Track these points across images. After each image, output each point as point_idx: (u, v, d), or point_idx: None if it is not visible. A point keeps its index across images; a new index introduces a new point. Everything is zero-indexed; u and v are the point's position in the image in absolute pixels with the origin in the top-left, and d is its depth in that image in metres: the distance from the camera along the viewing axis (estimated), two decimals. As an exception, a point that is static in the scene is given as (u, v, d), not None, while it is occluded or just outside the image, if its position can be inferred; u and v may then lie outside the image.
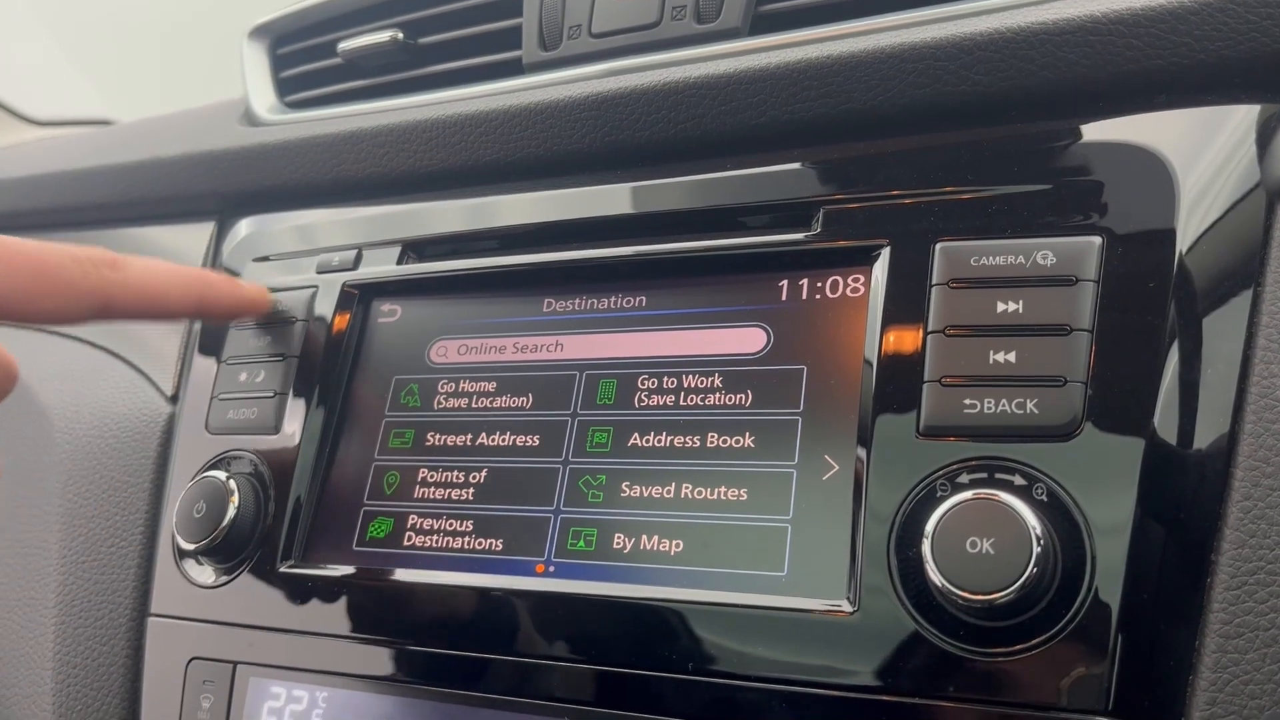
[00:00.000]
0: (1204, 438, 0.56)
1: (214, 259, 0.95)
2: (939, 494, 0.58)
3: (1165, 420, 0.56)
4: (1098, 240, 0.60)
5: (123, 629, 0.81)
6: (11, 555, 0.91)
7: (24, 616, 0.87)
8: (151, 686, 0.78)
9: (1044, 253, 0.60)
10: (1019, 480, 0.56)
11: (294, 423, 0.79)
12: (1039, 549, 0.53)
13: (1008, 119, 0.66)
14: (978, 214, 0.63)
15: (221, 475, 0.78)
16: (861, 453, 0.61)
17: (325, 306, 0.82)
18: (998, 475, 0.57)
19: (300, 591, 0.74)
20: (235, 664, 0.74)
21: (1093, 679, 0.53)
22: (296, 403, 0.80)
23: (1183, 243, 0.59)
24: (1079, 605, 0.54)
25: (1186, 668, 0.54)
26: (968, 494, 0.56)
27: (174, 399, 0.90)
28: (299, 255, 0.87)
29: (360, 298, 0.83)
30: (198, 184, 0.96)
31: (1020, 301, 0.60)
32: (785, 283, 0.69)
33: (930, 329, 0.61)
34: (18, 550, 0.90)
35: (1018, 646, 0.54)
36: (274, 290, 0.85)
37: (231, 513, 0.76)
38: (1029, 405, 0.57)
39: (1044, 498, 0.56)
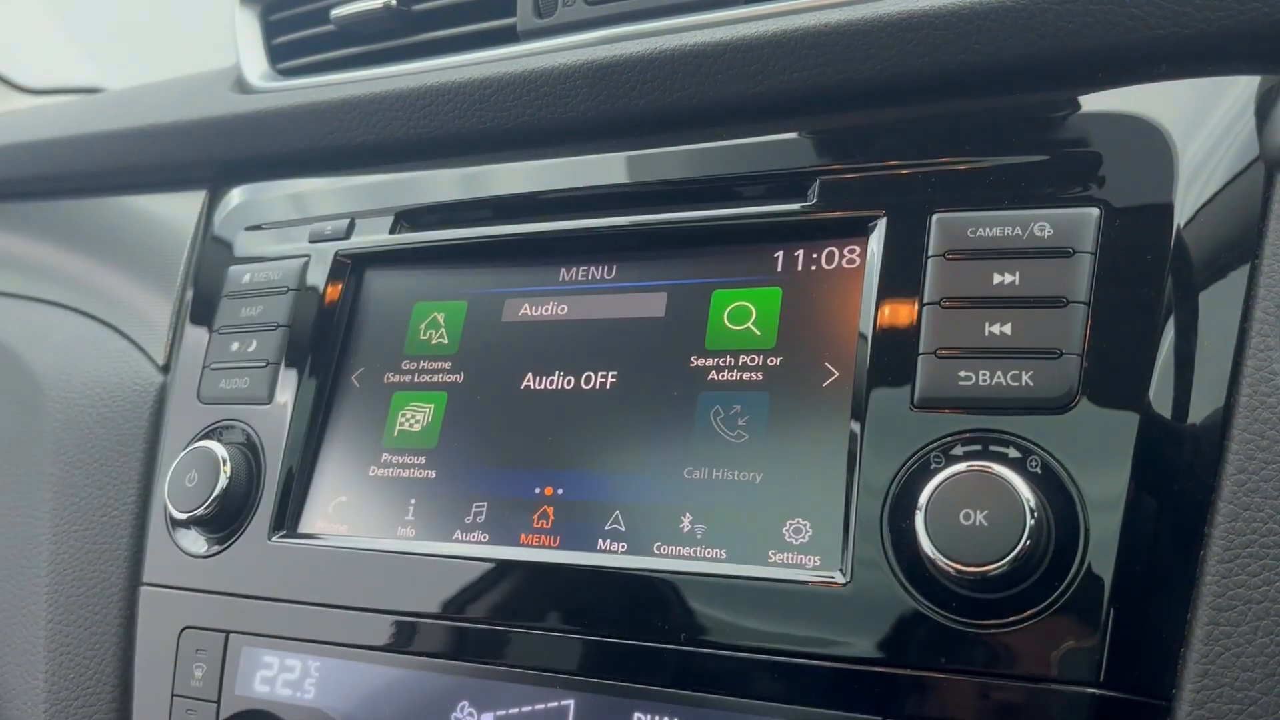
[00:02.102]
0: (1199, 411, 0.56)
1: (206, 228, 0.94)
2: (933, 466, 0.57)
3: (1160, 393, 0.56)
4: (1095, 212, 0.59)
5: (115, 598, 0.81)
6: (3, 524, 0.90)
7: (16, 585, 0.87)
8: (144, 655, 0.78)
9: (1041, 224, 0.60)
10: (1013, 453, 0.56)
11: (286, 393, 0.79)
12: (1032, 521, 0.53)
13: (1006, 89, 0.65)
14: (975, 185, 0.63)
15: (214, 445, 0.78)
16: (855, 425, 0.61)
17: (318, 276, 0.82)
18: (992, 448, 0.57)
19: (293, 562, 0.74)
20: (228, 633, 0.74)
21: (1085, 651, 0.53)
22: (289, 373, 0.79)
23: (1181, 215, 0.58)
24: (1072, 578, 0.54)
25: (1178, 640, 0.54)
26: (961, 466, 0.56)
27: (166, 368, 0.89)
28: (291, 224, 0.87)
29: (353, 267, 0.82)
30: (189, 152, 0.95)
31: (1017, 273, 0.59)
32: (781, 254, 0.68)
33: (926, 300, 0.61)
34: (9, 519, 0.90)
35: (1010, 618, 0.54)
36: (266, 259, 0.85)
37: (223, 482, 0.76)
38: (1024, 377, 0.57)
39: (1038, 470, 0.56)
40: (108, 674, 0.80)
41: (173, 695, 0.75)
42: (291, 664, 0.72)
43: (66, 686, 0.80)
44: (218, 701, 0.73)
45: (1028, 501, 0.54)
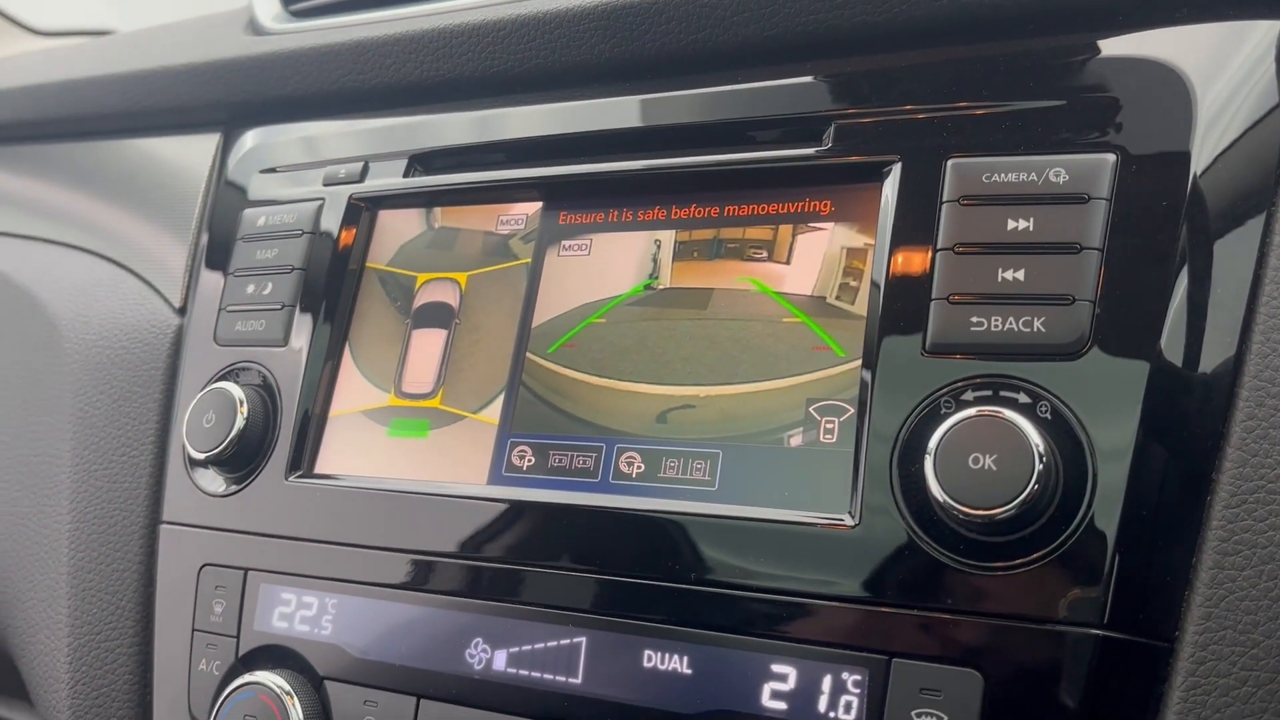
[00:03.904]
0: (1210, 359, 0.56)
1: (221, 171, 0.94)
2: (943, 411, 0.58)
3: (1172, 341, 0.56)
4: (1111, 158, 0.59)
5: (136, 535, 0.82)
6: (24, 464, 0.92)
7: (38, 524, 0.89)
8: (165, 592, 0.80)
9: (1056, 170, 0.60)
10: (1023, 398, 0.57)
11: (302, 335, 0.80)
12: (1041, 466, 0.54)
13: (1025, 33, 0.65)
14: (991, 130, 0.62)
15: (230, 386, 0.79)
16: (866, 372, 0.61)
17: (332, 219, 0.82)
18: (1002, 393, 0.57)
19: (309, 501, 0.75)
20: (246, 570, 0.76)
21: (1089, 593, 0.54)
22: (304, 315, 0.80)
23: (1197, 162, 0.58)
24: (1079, 522, 0.54)
25: (1183, 583, 0.54)
26: (971, 411, 0.56)
27: (182, 310, 0.90)
28: (306, 167, 0.87)
29: (367, 209, 0.82)
30: (202, 94, 0.95)
31: (1031, 219, 0.59)
32: (793, 198, 0.68)
33: (939, 246, 0.61)
34: (30, 459, 0.91)
35: (1016, 561, 0.55)
36: (281, 202, 0.85)
37: (240, 423, 0.77)
38: (1036, 323, 0.57)
39: (1048, 415, 0.56)
40: (129, 609, 0.81)
41: (193, 630, 0.77)
42: (309, 601, 0.73)
43: (89, 621, 0.82)
44: (237, 636, 0.75)
45: (1037, 446, 0.54)
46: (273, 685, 0.70)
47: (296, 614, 0.73)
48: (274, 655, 0.73)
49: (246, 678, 0.72)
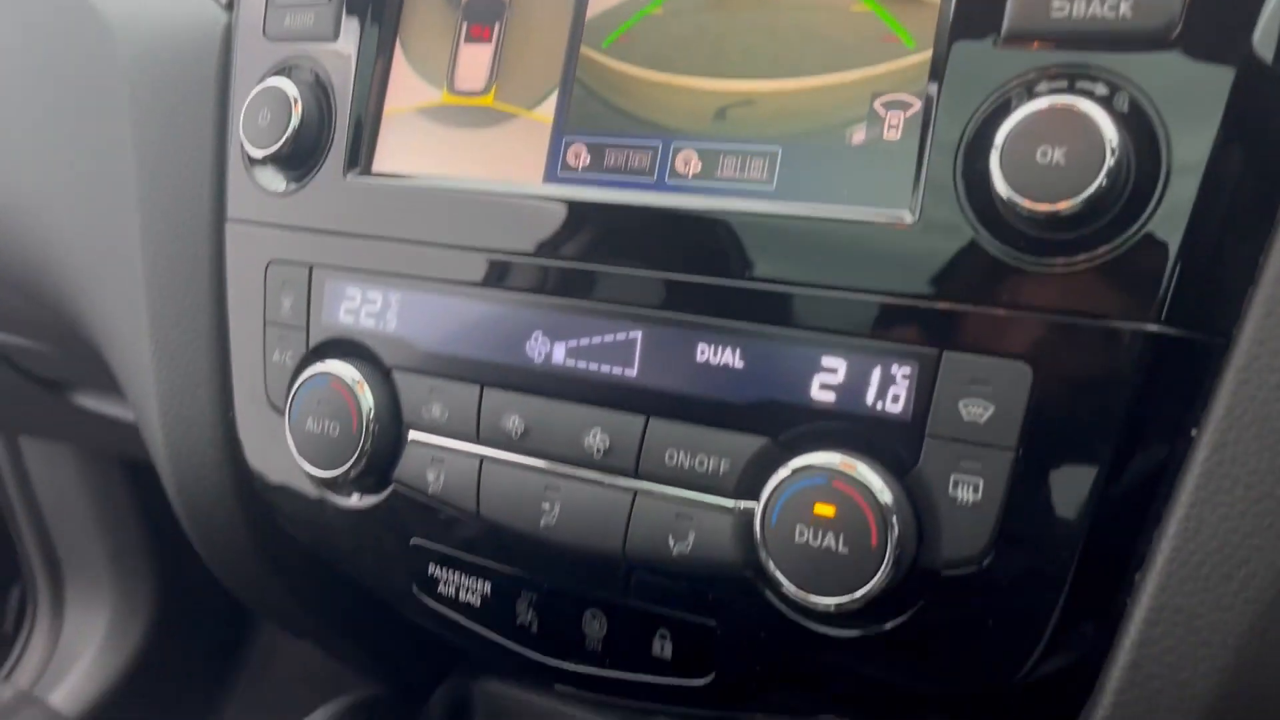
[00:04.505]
0: (1305, 51, 0.53)
1: None
2: (1014, 104, 0.55)
3: (1266, 34, 0.52)
4: None
5: (203, 234, 0.84)
6: (90, 167, 0.93)
7: (110, 224, 0.91)
8: (235, 287, 0.83)
9: None
10: (1100, 89, 0.54)
11: (351, 29, 0.78)
12: (1112, 160, 0.52)
13: None
14: None
15: (283, 83, 0.78)
16: (936, 64, 0.59)
17: (379, -99, 0.78)
18: (1079, 83, 0.54)
19: (368, 199, 0.76)
20: (311, 266, 0.78)
21: (1148, 290, 0.53)
22: (352, 8, 0.78)
23: None
24: (1145, 220, 0.53)
25: (1246, 281, 0.54)
26: (1043, 102, 0.54)
27: (229, 6, 0.88)
28: None
29: (413, -107, 0.78)
30: None
31: (1126, -111, 0.54)
32: None
33: (1024, -77, 0.56)
34: (95, 162, 0.93)
35: (1076, 258, 0.54)
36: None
37: (295, 121, 0.77)
38: (1122, 7, 0.54)
39: (1124, 108, 0.53)
40: (203, 304, 0.84)
41: (265, 323, 0.80)
42: (373, 296, 0.75)
43: (167, 315, 0.86)
44: (306, 329, 0.78)
45: (1109, 140, 0.52)
46: (343, 374, 0.74)
47: (361, 309, 0.76)
48: (343, 347, 0.76)
49: (318, 367, 0.75)
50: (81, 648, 1.83)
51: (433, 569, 0.75)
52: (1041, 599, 0.56)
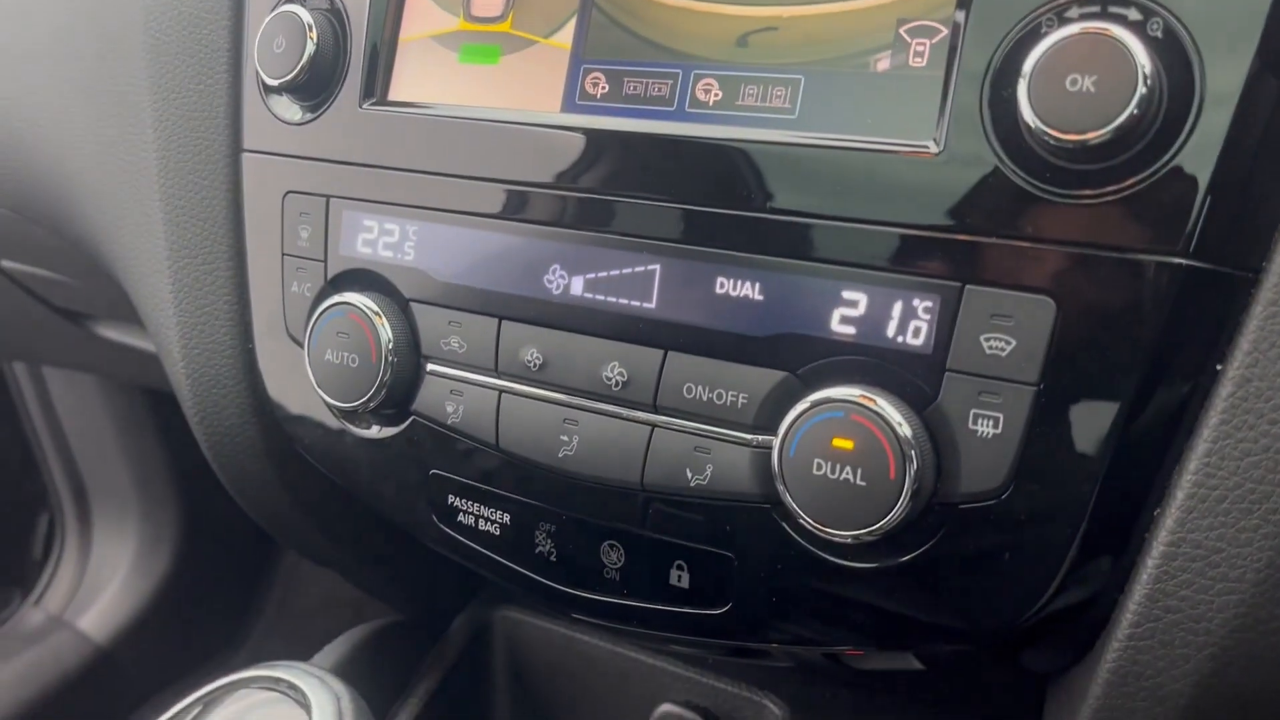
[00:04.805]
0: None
1: None
2: (1044, 30, 0.54)
3: (1308, -43, 0.51)
4: None
5: (220, 163, 0.84)
6: (104, 92, 0.92)
7: (126, 151, 0.90)
8: (253, 218, 0.82)
9: None
10: (1134, 14, 0.52)
11: (366, -48, 0.76)
12: (1144, 89, 0.51)
13: None
14: None
15: (298, 9, 0.77)
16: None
17: None
18: (1111, 8, 0.53)
19: (384, 129, 0.75)
20: (328, 197, 0.77)
21: (1176, 223, 0.52)
22: (367, -69, 0.76)
23: None
24: (1175, 150, 0.52)
25: (1276, 215, 0.52)
26: (1075, 29, 0.52)
27: (242, -72, 0.86)
28: None
29: None
30: None
31: None
32: None
33: None
34: (110, 88, 0.92)
35: (1104, 189, 0.53)
36: None
37: (311, 49, 0.76)
38: (1158, -73, 0.52)
39: (1158, 34, 0.52)
40: (221, 235, 0.84)
41: (283, 255, 0.80)
42: (390, 227, 0.75)
43: (185, 245, 0.86)
44: (324, 261, 0.78)
45: (1142, 67, 0.51)
46: (362, 305, 0.74)
47: (379, 240, 0.75)
48: (361, 279, 0.76)
49: (336, 298, 0.75)
50: (109, 574, 1.87)
51: (452, 499, 0.75)
52: (1059, 534, 0.56)
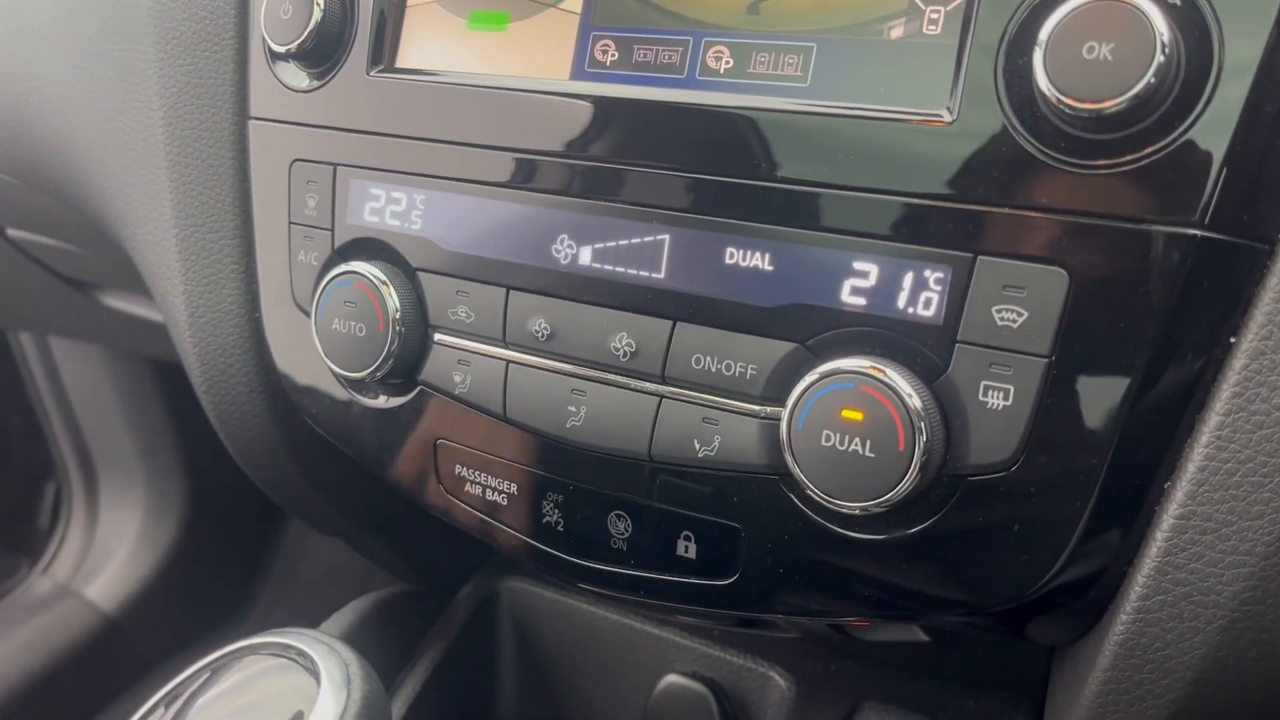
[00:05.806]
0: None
1: None
2: (1061, -5, 0.53)
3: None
4: None
5: (226, 131, 0.83)
6: (109, 57, 0.92)
7: (132, 119, 0.90)
8: (260, 186, 0.82)
9: None
10: (1154, -19, 0.52)
11: (373, -82, 0.75)
12: (1162, 58, 0.50)
13: None
14: None
15: (304, -27, 0.76)
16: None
17: None
18: (1130, -25, 0.52)
19: (392, 96, 0.74)
20: (335, 166, 0.77)
21: (1191, 195, 0.51)
22: (374, -104, 0.75)
23: None
24: (1192, 120, 0.51)
25: (1295, 184, 0.52)
26: (1093, -6, 0.52)
27: (248, -106, 0.85)
28: None
29: None
30: None
31: None
32: None
33: None
34: (115, 53, 0.91)
35: (1119, 159, 0.52)
36: None
37: (318, 15, 0.75)
38: (1179, -108, 0.51)
39: (1178, 2, 0.51)
40: (228, 203, 0.84)
41: (289, 223, 0.79)
42: (397, 196, 0.74)
43: (192, 213, 0.85)
44: (331, 230, 0.77)
45: (1161, 35, 0.50)
46: (369, 274, 0.73)
47: (387, 209, 0.75)
48: (368, 248, 0.76)
49: (343, 267, 0.75)
50: (116, 543, 1.88)
51: (459, 469, 0.75)
52: (1069, 506, 0.56)
